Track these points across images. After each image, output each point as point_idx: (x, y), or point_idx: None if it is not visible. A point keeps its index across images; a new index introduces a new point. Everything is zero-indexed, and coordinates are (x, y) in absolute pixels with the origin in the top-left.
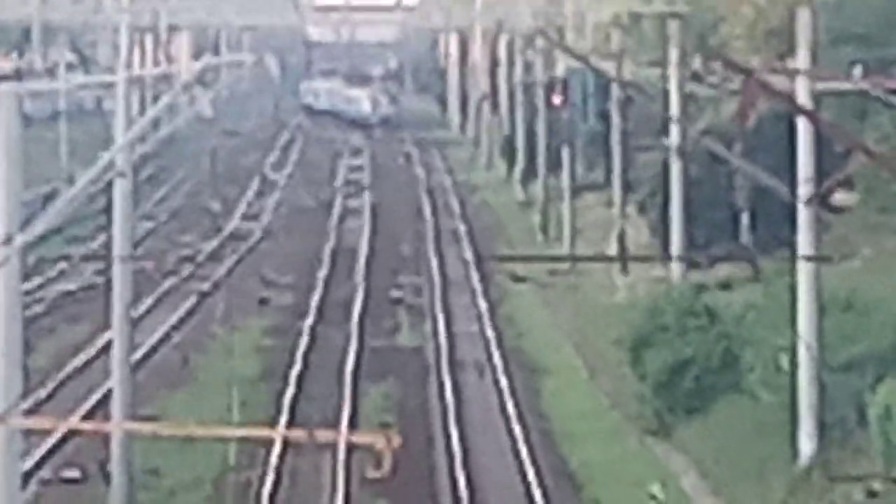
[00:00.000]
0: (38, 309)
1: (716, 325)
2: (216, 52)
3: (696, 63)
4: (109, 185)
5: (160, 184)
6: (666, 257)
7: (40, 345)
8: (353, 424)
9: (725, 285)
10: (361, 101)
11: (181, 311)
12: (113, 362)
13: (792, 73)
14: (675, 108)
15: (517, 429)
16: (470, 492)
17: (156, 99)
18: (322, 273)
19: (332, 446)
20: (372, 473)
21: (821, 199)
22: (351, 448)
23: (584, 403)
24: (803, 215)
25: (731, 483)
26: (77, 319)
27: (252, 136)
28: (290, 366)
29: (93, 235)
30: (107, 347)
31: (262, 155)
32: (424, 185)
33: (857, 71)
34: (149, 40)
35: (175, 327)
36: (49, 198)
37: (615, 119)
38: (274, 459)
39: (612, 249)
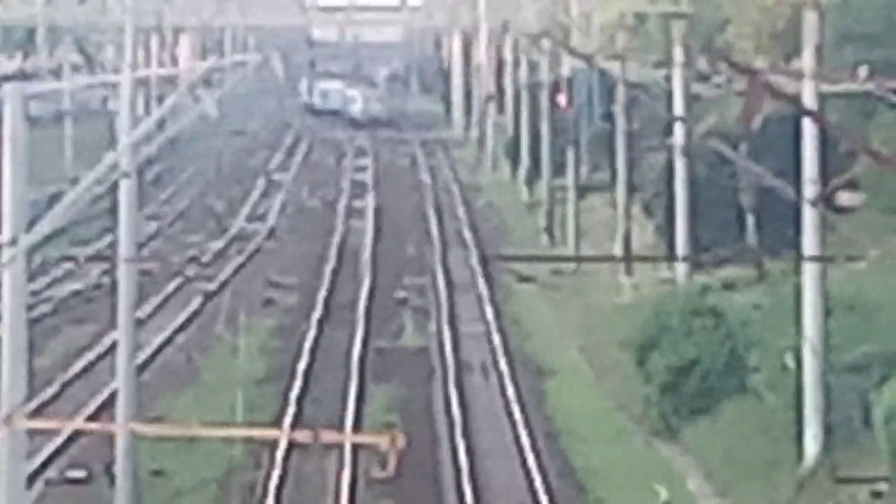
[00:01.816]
0: (43, 310)
1: (721, 326)
2: (221, 52)
3: (702, 64)
4: (114, 186)
5: (165, 185)
6: (671, 258)
7: (46, 345)
8: (357, 425)
9: (731, 286)
10: (354, 100)
11: (186, 312)
12: (118, 363)
13: (797, 75)
14: (680, 109)
15: (522, 430)
16: (475, 493)
17: (161, 100)
18: (327, 274)
19: (338, 447)
20: (377, 474)
21: (826, 200)
22: (356, 449)
23: (590, 405)
24: (809, 216)
25: (737, 484)
26: (82, 320)
27: (257, 136)
28: (295, 366)
29: (98, 236)
30: (112, 348)
31: (268, 155)
32: (429, 185)
33: (863, 71)
34: (154, 41)
35: (180, 328)
36: (54, 199)
37: (620, 120)
38: (279, 460)
39: (618, 250)
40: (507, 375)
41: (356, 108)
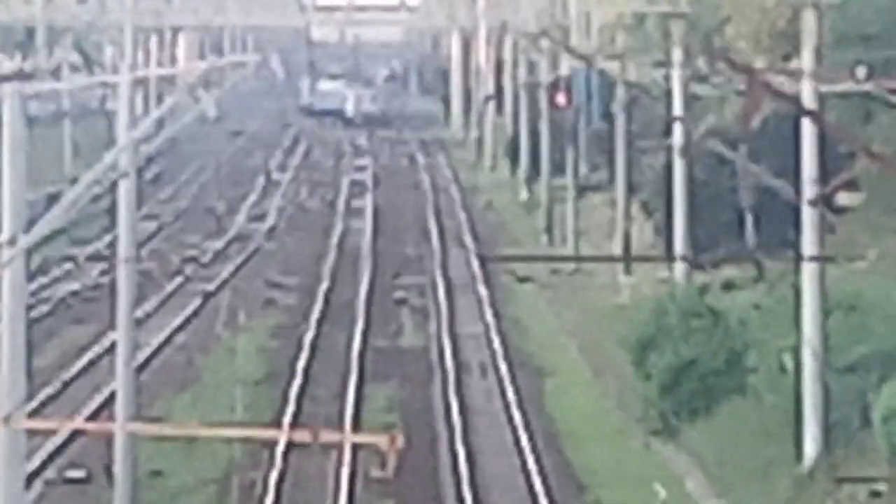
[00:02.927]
0: (42, 310)
1: (720, 326)
2: (220, 52)
3: (701, 64)
4: (113, 185)
5: (164, 185)
6: (670, 258)
7: (45, 346)
8: (357, 425)
9: (730, 286)
10: (347, 99)
11: (186, 313)
12: (117, 363)
13: (796, 75)
14: (679, 109)
15: (521, 429)
16: (474, 492)
17: (160, 100)
18: (326, 274)
19: (337, 447)
20: (376, 474)
21: (825, 201)
22: (355, 449)
23: (589, 404)
24: (808, 216)
25: (736, 484)
26: (81, 320)
27: (256, 136)
28: (294, 367)
29: (97, 236)
30: (111, 348)
31: (267, 155)
32: (428, 185)
33: (861, 71)
34: (153, 41)
35: (180, 328)
36: (53, 199)
37: (619, 120)
38: (278, 460)
39: (617, 250)
40: (507, 375)
41: (349, 108)
